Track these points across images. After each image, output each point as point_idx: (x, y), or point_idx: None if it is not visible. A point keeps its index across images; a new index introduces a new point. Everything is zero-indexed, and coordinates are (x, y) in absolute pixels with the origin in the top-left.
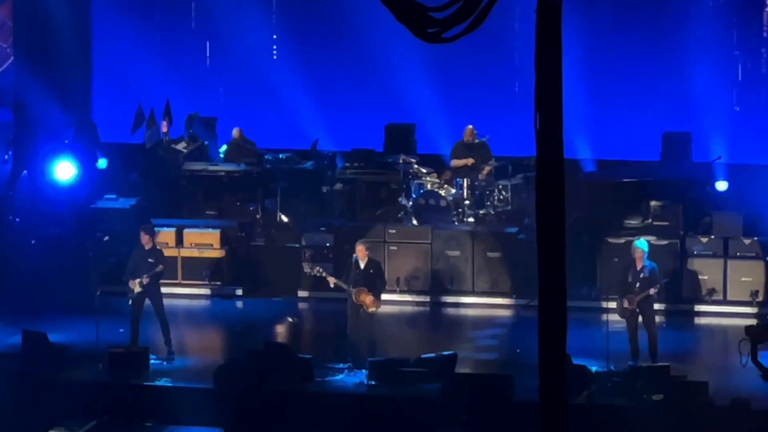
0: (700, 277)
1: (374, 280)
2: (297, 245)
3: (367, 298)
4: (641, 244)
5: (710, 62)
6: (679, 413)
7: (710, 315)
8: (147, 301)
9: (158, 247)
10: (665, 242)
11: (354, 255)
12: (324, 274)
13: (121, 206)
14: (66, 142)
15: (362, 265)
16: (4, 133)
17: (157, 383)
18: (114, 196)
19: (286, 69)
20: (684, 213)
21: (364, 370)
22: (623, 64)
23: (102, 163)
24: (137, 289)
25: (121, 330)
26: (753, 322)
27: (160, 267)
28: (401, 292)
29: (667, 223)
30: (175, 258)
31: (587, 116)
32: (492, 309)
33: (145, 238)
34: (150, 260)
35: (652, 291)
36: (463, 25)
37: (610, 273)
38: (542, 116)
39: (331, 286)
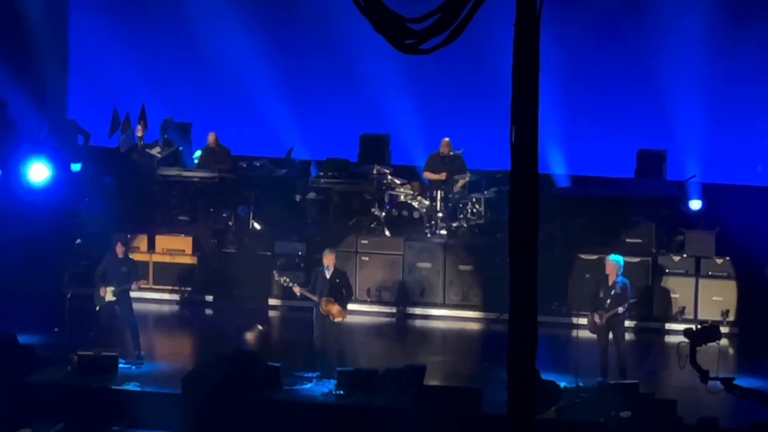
0: (671, 295)
1: (340, 290)
2: (269, 253)
3: (334, 308)
4: (616, 258)
5: (686, 80)
6: (647, 431)
7: (680, 333)
8: (117, 308)
9: (130, 255)
10: (637, 260)
11: (323, 263)
12: (290, 284)
13: (95, 209)
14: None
15: (329, 275)
16: None
17: (125, 387)
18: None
19: (262, 76)
20: (657, 231)
21: (332, 380)
22: (599, 80)
23: (76, 166)
24: (109, 297)
25: (91, 333)
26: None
27: (143, 282)
28: (372, 302)
29: (639, 241)
30: (146, 263)
31: (562, 131)
32: (462, 322)
33: (120, 249)
34: (123, 269)
35: (620, 309)
36: (441, 37)
37: (581, 289)
38: (518, 130)
39: (298, 295)
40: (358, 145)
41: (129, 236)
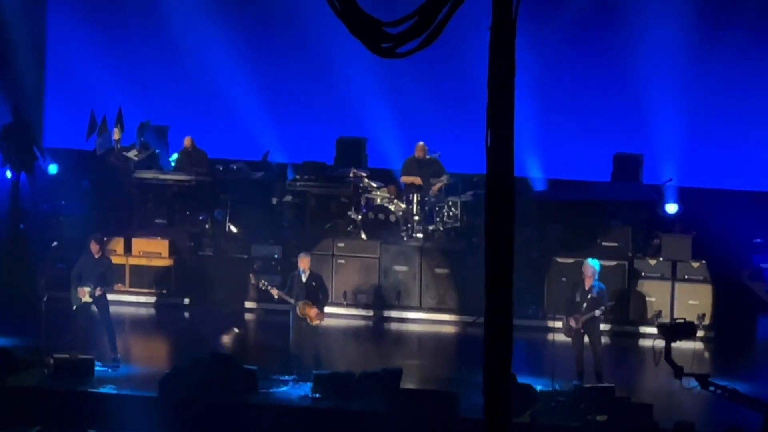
0: (647, 299)
1: (316, 293)
2: (245, 256)
3: (311, 311)
4: (593, 262)
5: (663, 84)
6: None
7: (653, 345)
8: (93, 308)
9: (107, 255)
10: (613, 263)
11: (298, 267)
12: (268, 287)
13: (71, 212)
14: None
15: (304, 278)
16: None
17: (102, 390)
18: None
19: (239, 80)
20: (633, 234)
21: (308, 383)
22: (576, 84)
23: (53, 168)
24: (86, 298)
25: (67, 336)
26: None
27: (120, 286)
28: (348, 305)
29: (616, 245)
30: (123, 265)
31: (539, 135)
32: (438, 325)
33: (94, 248)
34: (99, 269)
35: (597, 312)
36: (417, 40)
37: (557, 292)
38: (493, 134)
39: (275, 298)
40: (334, 148)
41: (105, 238)
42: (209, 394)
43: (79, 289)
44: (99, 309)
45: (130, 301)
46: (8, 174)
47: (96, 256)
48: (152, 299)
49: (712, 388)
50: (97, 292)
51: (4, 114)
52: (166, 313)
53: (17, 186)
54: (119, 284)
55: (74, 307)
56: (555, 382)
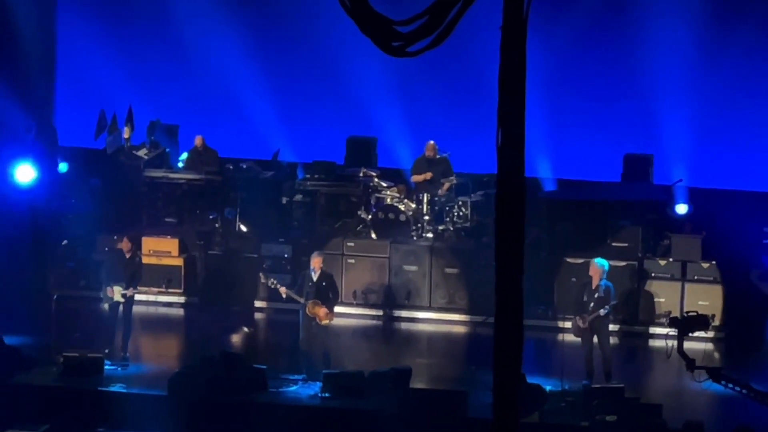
0: (656, 299)
1: (327, 293)
2: (255, 255)
3: (321, 311)
4: (600, 262)
5: (673, 85)
6: None
7: (665, 338)
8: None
9: (138, 255)
10: (623, 263)
11: (310, 266)
12: (277, 286)
13: (81, 211)
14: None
15: (315, 277)
16: None
17: (111, 389)
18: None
19: (249, 79)
20: (643, 235)
21: (318, 383)
22: (586, 84)
23: (62, 167)
24: (117, 297)
25: (77, 335)
26: (705, 345)
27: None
28: (357, 305)
29: (625, 245)
30: None
31: (549, 135)
32: (448, 325)
33: (126, 246)
34: (130, 269)
35: (602, 311)
36: (428, 39)
37: (567, 292)
38: (504, 133)
39: (284, 297)
40: (344, 147)
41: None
42: (218, 394)
43: (108, 288)
44: (124, 308)
45: (140, 300)
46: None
47: (127, 256)
48: (162, 298)
49: (723, 382)
50: (129, 293)
51: (15, 114)
52: (176, 312)
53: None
54: (145, 284)
55: (105, 306)
56: (564, 382)
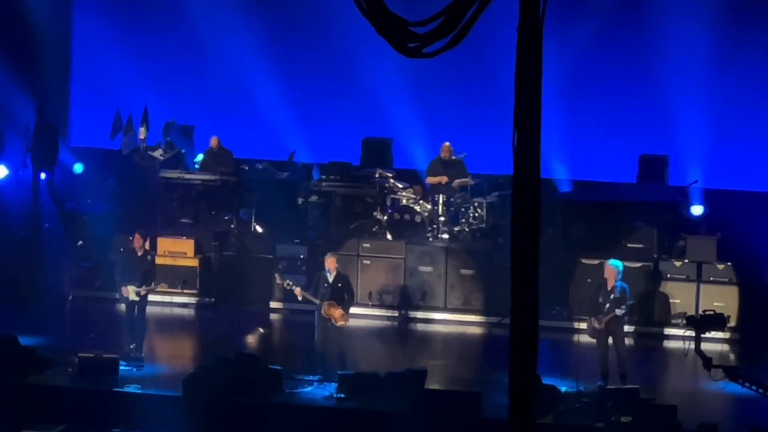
0: (671, 300)
1: (342, 294)
2: (270, 256)
3: (336, 312)
4: (615, 263)
5: (689, 86)
6: None
7: (681, 339)
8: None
9: (150, 252)
10: (638, 264)
11: (325, 267)
12: (292, 287)
13: (96, 212)
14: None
15: (330, 279)
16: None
17: (126, 389)
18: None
19: (265, 79)
20: (658, 236)
21: (333, 383)
22: (601, 85)
23: (78, 167)
24: (132, 296)
25: (92, 335)
26: (721, 347)
27: (163, 286)
28: (373, 306)
29: (641, 246)
30: None
31: (564, 136)
32: (463, 326)
33: (138, 243)
34: (143, 267)
35: (618, 312)
36: (444, 40)
37: (582, 293)
38: (520, 134)
39: (299, 299)
40: (360, 148)
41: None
42: (233, 394)
43: (123, 288)
44: (138, 307)
45: (155, 301)
46: (42, 175)
47: (139, 253)
48: (177, 299)
49: (740, 381)
50: (143, 291)
51: (28, 113)
52: (191, 312)
53: (37, 185)
54: (162, 284)
55: (122, 306)
56: (579, 383)
